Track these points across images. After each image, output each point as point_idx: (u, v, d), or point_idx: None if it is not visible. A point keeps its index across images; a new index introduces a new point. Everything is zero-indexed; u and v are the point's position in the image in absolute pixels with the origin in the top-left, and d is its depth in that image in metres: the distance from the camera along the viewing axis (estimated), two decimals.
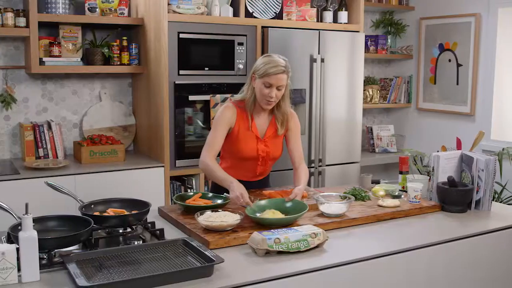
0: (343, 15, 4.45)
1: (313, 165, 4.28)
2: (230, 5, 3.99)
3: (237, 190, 2.40)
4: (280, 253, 1.98)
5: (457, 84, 4.73)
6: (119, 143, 3.88)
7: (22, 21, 3.54)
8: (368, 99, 5.02)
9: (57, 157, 3.81)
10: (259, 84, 2.62)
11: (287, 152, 2.87)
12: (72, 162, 3.73)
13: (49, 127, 3.80)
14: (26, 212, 1.70)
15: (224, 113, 2.69)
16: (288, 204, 2.38)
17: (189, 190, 3.90)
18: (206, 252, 1.84)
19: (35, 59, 3.56)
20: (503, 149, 4.04)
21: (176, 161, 3.81)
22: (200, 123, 3.92)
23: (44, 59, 3.65)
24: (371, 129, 5.13)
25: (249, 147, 2.72)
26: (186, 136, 3.85)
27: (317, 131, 4.26)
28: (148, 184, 3.69)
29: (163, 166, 3.76)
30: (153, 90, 3.85)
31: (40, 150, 3.77)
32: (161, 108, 3.74)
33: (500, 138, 4.39)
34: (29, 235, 1.69)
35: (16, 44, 3.80)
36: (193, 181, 3.92)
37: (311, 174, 4.28)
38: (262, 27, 4.02)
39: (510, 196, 4.17)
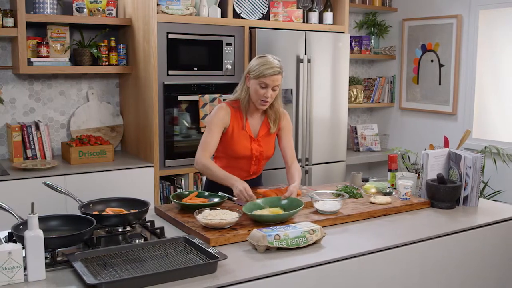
0: (328, 16, 4.51)
1: (300, 164, 4.33)
2: (218, 6, 4.02)
3: (240, 185, 2.48)
4: (279, 249, 2.03)
5: (439, 84, 4.84)
6: (108, 143, 3.88)
7: (10, 21, 3.52)
8: (352, 99, 5.09)
9: (45, 158, 3.79)
10: (254, 85, 2.67)
11: (279, 151, 2.92)
12: (60, 163, 3.72)
13: (37, 128, 3.78)
14: (32, 212, 1.71)
15: (218, 114, 2.73)
16: (284, 201, 2.42)
17: (178, 190, 3.92)
18: (209, 249, 1.87)
19: (23, 60, 3.54)
20: (485, 147, 4.15)
21: (166, 161, 3.83)
22: (189, 123, 3.94)
23: (32, 59, 3.63)
24: (355, 128, 5.21)
25: (243, 147, 2.75)
26: (175, 136, 3.87)
27: (304, 130, 4.32)
28: (138, 184, 3.70)
29: (152, 166, 3.77)
30: (141, 91, 3.86)
31: (28, 151, 3.75)
32: (150, 108, 3.75)
33: (481, 137, 4.50)
34: (35, 234, 1.70)
35: (2, 44, 3.77)
36: (182, 181, 3.94)
37: None
38: (250, 27, 4.06)
39: (492, 193, 4.29)
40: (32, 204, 1.73)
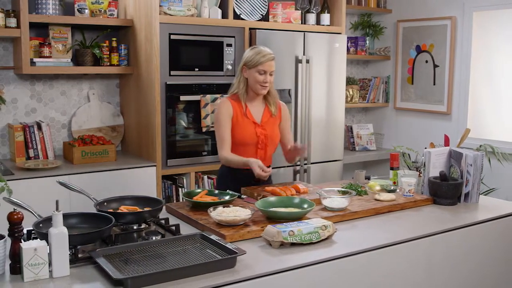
0: (325, 17, 4.58)
1: (298, 163, 4.39)
2: (219, 7, 4.07)
3: (255, 164, 2.74)
4: (293, 244, 2.08)
5: (434, 84, 4.93)
6: (110, 143, 3.91)
7: (12, 21, 3.53)
8: (349, 99, 5.17)
9: (47, 158, 3.81)
10: (252, 73, 2.92)
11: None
12: (63, 163, 3.73)
13: (39, 128, 3.79)
14: (57, 209, 1.75)
15: (222, 108, 2.95)
16: (296, 201, 2.48)
17: (180, 189, 3.96)
18: (227, 245, 1.92)
19: (26, 60, 3.56)
20: (480, 146, 4.24)
21: (168, 160, 3.87)
22: (190, 123, 3.98)
23: (35, 59, 3.65)
24: (351, 128, 5.28)
25: (248, 132, 2.95)
26: (177, 136, 3.91)
27: (303, 130, 4.38)
28: (141, 183, 3.73)
29: (155, 166, 3.81)
30: (143, 91, 3.89)
31: (30, 151, 3.76)
32: (152, 108, 3.78)
33: (476, 136, 4.59)
34: (60, 231, 1.74)
35: (4, 45, 3.78)
36: (184, 180, 3.98)
37: (296, 172, 4.39)
38: (250, 28, 4.12)
39: (487, 190, 4.38)
40: (57, 202, 1.76)
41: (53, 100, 4.00)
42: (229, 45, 4.03)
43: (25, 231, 2.08)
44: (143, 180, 3.76)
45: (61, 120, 4.05)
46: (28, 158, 3.77)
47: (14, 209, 1.81)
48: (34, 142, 3.77)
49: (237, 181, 2.92)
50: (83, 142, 3.81)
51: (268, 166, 3.07)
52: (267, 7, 4.31)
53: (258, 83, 2.91)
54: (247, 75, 2.94)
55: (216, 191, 2.65)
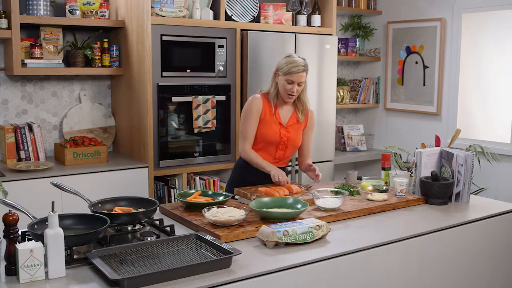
0: (316, 19, 4.61)
1: (290, 163, 4.41)
2: (210, 9, 4.08)
3: (277, 172, 2.92)
4: (287, 244, 2.10)
5: (424, 85, 4.98)
6: (102, 144, 3.90)
7: (3, 22, 3.52)
8: (339, 99, 5.19)
9: (38, 159, 3.80)
10: (282, 81, 2.99)
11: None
12: (54, 164, 3.72)
13: (30, 129, 3.78)
14: (52, 210, 1.75)
15: (253, 103, 3.04)
16: (290, 201, 2.50)
17: (172, 190, 3.96)
18: (222, 245, 1.93)
19: (17, 61, 3.54)
20: (469, 146, 4.28)
21: (160, 161, 3.87)
22: (182, 123, 3.98)
23: (26, 61, 3.63)
24: (342, 129, 5.31)
25: (272, 131, 3.04)
26: (169, 137, 3.91)
27: None
28: (133, 184, 3.73)
29: (146, 167, 3.80)
30: (135, 92, 3.89)
31: (22, 152, 3.75)
32: (144, 109, 3.78)
33: (465, 136, 4.63)
34: (56, 232, 1.74)
35: None
36: (176, 181, 3.99)
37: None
38: (241, 30, 4.13)
39: (477, 190, 4.43)
40: (53, 203, 1.76)
41: (44, 101, 3.98)
42: (220, 46, 4.04)
43: (19, 232, 2.08)
44: (135, 181, 3.75)
45: (52, 122, 4.04)
46: (19, 159, 3.75)
47: (9, 210, 1.80)
48: (25, 143, 3.75)
49: (253, 175, 3.01)
50: (75, 144, 3.80)
51: (285, 167, 3.23)
52: (258, 8, 4.33)
53: (286, 91, 2.99)
54: (278, 80, 3.02)
55: (210, 192, 2.66)
